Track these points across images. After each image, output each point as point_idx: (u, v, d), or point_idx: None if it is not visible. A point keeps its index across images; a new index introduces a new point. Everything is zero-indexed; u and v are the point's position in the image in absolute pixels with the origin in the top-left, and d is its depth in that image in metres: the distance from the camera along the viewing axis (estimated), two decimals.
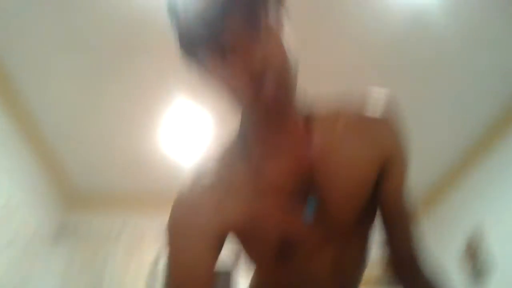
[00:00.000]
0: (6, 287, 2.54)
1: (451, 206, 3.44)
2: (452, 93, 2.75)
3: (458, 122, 2.96)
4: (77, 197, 3.49)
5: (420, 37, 2.42)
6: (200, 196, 0.73)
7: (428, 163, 3.18)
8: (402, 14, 2.31)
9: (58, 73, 2.57)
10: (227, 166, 0.75)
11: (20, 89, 2.64)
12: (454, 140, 3.10)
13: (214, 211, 0.71)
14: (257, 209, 0.71)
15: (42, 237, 3.08)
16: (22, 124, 2.80)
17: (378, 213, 0.80)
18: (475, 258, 2.97)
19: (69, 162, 3.20)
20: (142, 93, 2.72)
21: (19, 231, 2.70)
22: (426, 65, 2.59)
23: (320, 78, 2.09)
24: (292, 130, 0.73)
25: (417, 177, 3.25)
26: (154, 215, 2.63)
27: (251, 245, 0.76)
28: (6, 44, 2.39)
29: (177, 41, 0.68)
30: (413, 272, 0.80)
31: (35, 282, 2.84)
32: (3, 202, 2.57)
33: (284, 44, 0.65)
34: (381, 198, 0.78)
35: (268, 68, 0.62)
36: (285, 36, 0.66)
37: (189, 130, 2.96)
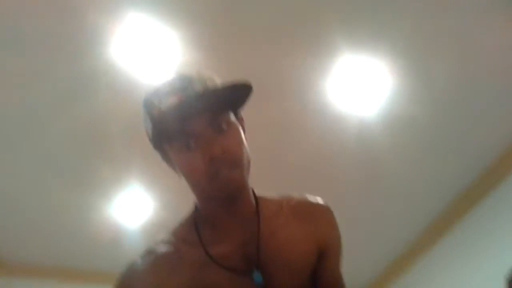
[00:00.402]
0: None
1: None
2: (396, 195, 3.03)
3: (406, 216, 3.21)
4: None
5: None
6: (145, 276, 0.78)
7: (375, 254, 3.49)
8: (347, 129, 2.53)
9: None
10: (176, 247, 0.81)
11: None
12: (402, 232, 3.36)
13: None
14: (206, 281, 0.77)
15: None
16: None
17: None
18: None
19: None
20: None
21: None
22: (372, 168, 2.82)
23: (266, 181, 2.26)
24: (243, 215, 0.83)
25: (365, 266, 3.42)
26: None
27: None
28: None
29: (150, 131, 0.79)
30: None
31: None
32: None
33: (241, 141, 0.78)
34: (319, 278, 0.89)
35: (223, 160, 0.73)
36: (242, 136, 0.80)
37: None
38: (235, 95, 0.77)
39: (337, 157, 2.72)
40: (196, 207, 0.86)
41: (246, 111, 0.84)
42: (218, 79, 0.81)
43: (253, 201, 0.86)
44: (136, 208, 2.94)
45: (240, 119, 0.84)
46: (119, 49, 2.05)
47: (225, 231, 0.82)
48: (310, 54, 2.18)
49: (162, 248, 0.81)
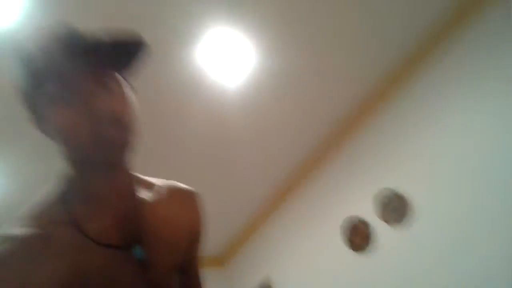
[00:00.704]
0: None
1: (244, 260, 4.09)
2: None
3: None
4: None
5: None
6: (5, 269, 0.63)
7: (224, 226, 3.77)
8: None
9: None
10: (41, 229, 0.67)
11: None
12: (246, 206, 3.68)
13: (24, 279, 0.62)
14: (83, 265, 0.67)
15: None
16: None
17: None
18: None
19: None
20: None
21: None
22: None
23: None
24: (121, 185, 0.76)
25: (216, 237, 3.63)
26: None
27: None
28: None
29: (21, 79, 0.69)
30: None
31: None
32: None
33: (130, 103, 0.71)
34: (185, 263, 0.87)
35: (109, 119, 0.66)
36: (132, 99, 0.72)
37: None
38: (127, 50, 0.69)
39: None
40: (61, 181, 0.75)
41: None
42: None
43: (131, 177, 0.79)
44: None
45: (131, 87, 0.76)
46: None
47: (100, 205, 0.73)
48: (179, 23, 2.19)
49: (22, 233, 0.66)
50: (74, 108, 0.65)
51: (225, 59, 2.43)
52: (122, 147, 0.70)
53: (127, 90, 0.73)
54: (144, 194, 0.80)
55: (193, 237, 0.89)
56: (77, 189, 0.73)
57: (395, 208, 2.75)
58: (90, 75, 0.67)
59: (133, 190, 0.78)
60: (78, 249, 0.67)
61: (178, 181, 0.92)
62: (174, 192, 0.87)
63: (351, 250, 3.03)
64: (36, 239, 0.66)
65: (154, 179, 0.87)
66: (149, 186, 0.84)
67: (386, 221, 2.80)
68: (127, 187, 0.77)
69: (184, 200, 0.88)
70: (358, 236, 2.98)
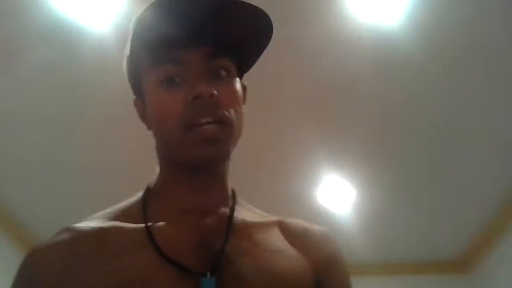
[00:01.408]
0: None
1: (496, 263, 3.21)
2: None
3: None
4: None
5: None
6: (50, 260, 0.55)
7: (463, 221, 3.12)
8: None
9: None
10: (107, 222, 0.59)
11: None
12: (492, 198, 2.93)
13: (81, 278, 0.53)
14: (138, 276, 0.53)
15: None
16: None
17: None
18: None
19: None
20: None
21: None
22: None
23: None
24: (212, 195, 0.63)
25: (453, 237, 3.17)
26: None
27: None
28: None
29: (128, 52, 0.62)
30: None
31: None
32: None
33: (239, 102, 0.62)
34: None
35: (214, 104, 0.56)
36: (241, 99, 0.63)
37: None
38: (255, 27, 0.59)
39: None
40: (152, 180, 0.66)
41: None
42: None
43: (229, 188, 0.66)
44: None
45: (243, 86, 0.66)
46: None
47: (181, 211, 0.61)
48: None
49: (88, 225, 0.59)
50: (175, 91, 0.57)
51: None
52: (218, 146, 0.57)
53: (238, 85, 0.63)
54: (245, 220, 0.63)
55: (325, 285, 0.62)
56: (160, 187, 0.64)
57: None
58: (207, 55, 0.58)
59: (226, 206, 0.63)
60: (135, 251, 0.55)
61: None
62: (295, 228, 0.66)
63: None
64: (95, 233, 0.57)
65: (271, 215, 0.69)
66: (258, 214, 0.67)
67: None
68: (219, 200, 0.63)
69: (308, 239, 0.65)
70: None
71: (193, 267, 0.53)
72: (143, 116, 0.65)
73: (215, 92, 0.55)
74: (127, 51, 0.63)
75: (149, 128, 0.64)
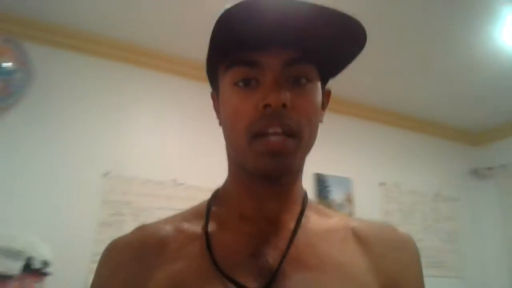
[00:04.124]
0: None
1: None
2: None
3: None
4: None
5: None
6: (121, 256, 0.60)
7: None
8: None
9: None
10: (170, 228, 0.61)
11: None
12: None
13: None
14: (186, 281, 0.53)
15: None
16: None
17: None
18: None
19: None
20: None
21: None
22: None
23: None
24: (278, 208, 0.60)
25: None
26: None
27: None
28: None
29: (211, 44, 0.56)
30: None
31: None
32: None
33: (316, 111, 0.58)
34: None
35: (286, 116, 0.53)
36: (319, 108, 0.59)
37: None
38: (345, 39, 0.53)
39: None
40: (221, 186, 0.66)
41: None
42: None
43: (300, 199, 0.63)
44: None
45: (326, 92, 0.63)
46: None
47: (242, 218, 0.60)
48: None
49: (159, 226, 0.62)
50: (249, 93, 0.55)
51: None
52: (286, 158, 0.54)
53: (319, 93, 0.59)
54: (314, 229, 0.60)
55: None
56: (227, 195, 0.63)
57: None
58: (288, 60, 0.54)
59: (293, 220, 0.59)
60: (194, 262, 0.55)
61: None
62: (369, 234, 0.61)
63: None
64: (158, 237, 0.59)
65: (345, 215, 0.66)
66: (330, 220, 0.63)
67: None
68: (286, 213, 0.60)
69: (383, 245, 0.60)
70: None
71: (245, 281, 0.51)
72: (217, 110, 0.64)
73: (288, 102, 0.52)
74: (210, 44, 0.58)
75: (220, 124, 0.63)
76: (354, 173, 3.08)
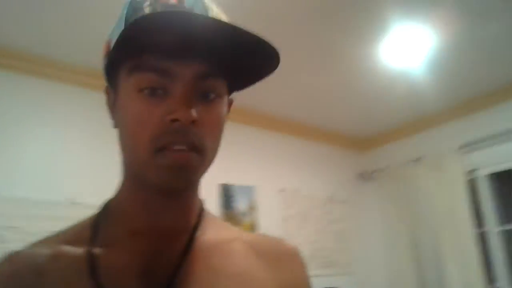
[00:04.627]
0: None
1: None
2: None
3: None
4: None
5: None
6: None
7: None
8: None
9: None
10: (49, 252, 0.54)
11: None
12: None
13: None
14: None
15: None
16: None
17: None
18: None
19: None
20: None
21: None
22: None
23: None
24: (176, 216, 0.57)
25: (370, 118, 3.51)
26: None
27: None
28: None
29: (114, 39, 0.52)
30: None
31: None
32: None
33: (220, 127, 0.56)
34: None
35: (192, 132, 0.50)
36: (223, 122, 0.57)
37: None
38: (259, 54, 0.52)
39: None
40: (111, 198, 0.61)
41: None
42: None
43: (197, 211, 0.61)
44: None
45: (230, 101, 0.61)
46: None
47: (133, 234, 0.55)
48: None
49: (34, 252, 0.55)
50: (155, 103, 0.51)
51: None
52: (190, 173, 0.52)
53: (225, 107, 0.57)
54: (212, 243, 0.58)
55: None
56: (117, 210, 0.58)
57: None
58: (198, 73, 0.51)
59: (190, 225, 0.58)
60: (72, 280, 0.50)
61: None
62: (264, 247, 0.62)
63: None
64: (35, 267, 0.52)
65: (237, 228, 0.65)
66: (227, 232, 0.63)
67: None
68: (181, 227, 0.57)
69: (277, 259, 0.61)
70: None
71: None
72: (112, 111, 0.59)
73: (197, 118, 0.50)
74: (112, 37, 0.54)
75: (114, 126, 0.57)
76: (257, 181, 3.19)
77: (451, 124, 3.34)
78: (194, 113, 0.49)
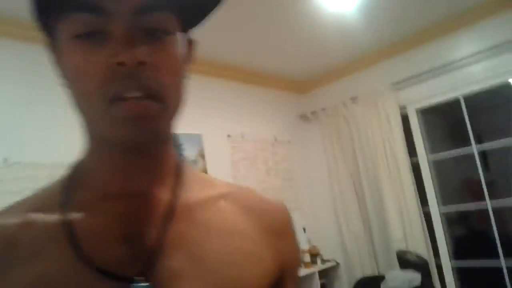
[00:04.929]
0: None
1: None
2: None
3: None
4: None
5: None
6: None
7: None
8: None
9: None
10: (18, 220, 0.49)
11: None
12: None
13: None
14: (45, 285, 0.45)
15: None
16: None
17: None
18: None
19: None
20: None
21: None
22: None
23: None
24: (152, 176, 0.52)
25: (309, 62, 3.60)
26: None
27: None
28: None
29: None
30: None
31: None
32: None
33: (178, 68, 0.50)
34: None
35: (144, 75, 0.45)
36: (181, 63, 0.51)
37: None
38: None
39: None
40: (77, 159, 0.55)
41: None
42: None
43: (174, 169, 0.56)
44: None
45: (190, 42, 0.55)
46: None
47: (108, 197, 0.51)
48: None
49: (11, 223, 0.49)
50: (96, 49, 0.45)
51: None
52: (151, 122, 0.46)
53: (180, 46, 0.50)
54: (196, 202, 0.54)
55: (283, 279, 0.57)
56: (86, 173, 0.53)
57: None
58: (138, 10, 0.45)
59: (168, 192, 0.53)
60: (53, 258, 0.46)
61: None
62: (257, 208, 0.58)
63: None
64: (2, 235, 0.48)
65: (226, 184, 0.61)
66: (212, 188, 0.58)
67: None
68: (159, 184, 0.53)
69: (271, 222, 0.58)
70: None
71: (122, 269, 0.45)
72: (58, 67, 0.51)
73: (145, 58, 0.44)
74: None
75: (61, 84, 0.51)
76: (204, 129, 3.19)
77: (383, 64, 3.52)
78: (140, 52, 0.44)
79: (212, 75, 3.34)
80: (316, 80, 4.03)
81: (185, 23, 0.52)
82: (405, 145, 3.34)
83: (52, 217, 0.49)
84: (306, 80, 4.07)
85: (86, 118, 0.49)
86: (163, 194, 0.52)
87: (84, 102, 0.47)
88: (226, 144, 3.37)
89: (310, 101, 4.10)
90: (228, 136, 3.39)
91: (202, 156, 3.13)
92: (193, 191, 0.55)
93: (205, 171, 3.11)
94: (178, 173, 0.56)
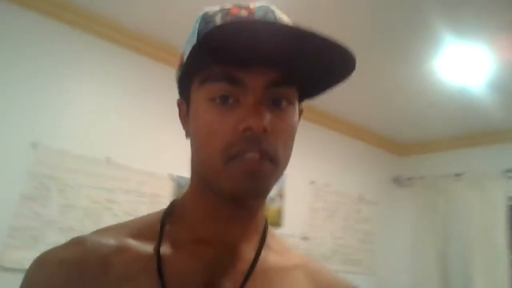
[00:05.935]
0: None
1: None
2: None
3: None
4: None
5: None
6: (52, 274, 0.51)
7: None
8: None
9: None
10: (116, 242, 0.54)
11: None
12: None
13: None
14: None
15: None
16: None
17: None
18: None
19: None
20: None
21: None
22: None
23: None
24: (243, 231, 0.57)
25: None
26: None
27: None
28: None
29: (187, 52, 0.54)
30: None
31: None
32: None
33: (293, 135, 0.55)
34: None
35: (265, 141, 0.50)
36: (295, 130, 0.56)
37: None
38: (336, 59, 0.50)
39: None
40: (180, 197, 0.62)
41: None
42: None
43: (261, 227, 0.60)
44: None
45: (300, 110, 0.60)
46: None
47: (200, 241, 0.55)
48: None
49: (100, 240, 0.55)
50: (227, 111, 0.51)
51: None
52: (263, 182, 0.52)
53: (296, 115, 0.57)
54: (272, 261, 0.58)
55: None
56: (185, 213, 0.59)
57: None
58: (270, 82, 0.51)
59: (251, 248, 0.57)
60: (140, 287, 0.51)
61: None
62: (325, 281, 0.60)
63: None
64: (100, 255, 0.52)
65: (300, 254, 0.63)
66: (289, 254, 0.61)
67: None
68: (247, 238, 0.57)
69: None
70: None
71: None
72: (185, 121, 0.60)
73: (269, 126, 0.50)
74: (185, 50, 0.56)
75: (187, 137, 0.59)
76: (288, 170, 3.17)
77: (498, 146, 3.18)
78: (266, 121, 0.49)
79: (305, 118, 3.32)
80: (418, 145, 3.79)
81: (304, 95, 0.58)
82: (507, 237, 2.92)
83: (148, 248, 0.54)
84: (406, 143, 3.85)
85: (203, 168, 0.55)
86: (248, 250, 0.56)
87: (207, 155, 0.52)
88: (308, 190, 3.31)
89: (408, 166, 3.85)
90: (311, 182, 3.32)
91: (280, 196, 3.11)
92: (271, 254, 0.58)
93: (281, 212, 3.07)
94: (263, 231, 0.60)
